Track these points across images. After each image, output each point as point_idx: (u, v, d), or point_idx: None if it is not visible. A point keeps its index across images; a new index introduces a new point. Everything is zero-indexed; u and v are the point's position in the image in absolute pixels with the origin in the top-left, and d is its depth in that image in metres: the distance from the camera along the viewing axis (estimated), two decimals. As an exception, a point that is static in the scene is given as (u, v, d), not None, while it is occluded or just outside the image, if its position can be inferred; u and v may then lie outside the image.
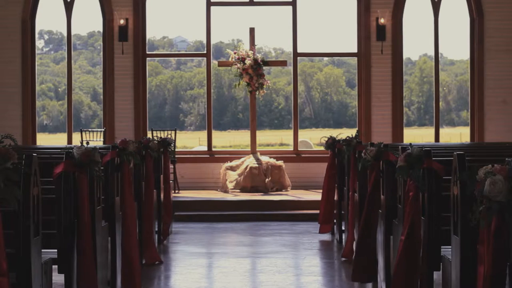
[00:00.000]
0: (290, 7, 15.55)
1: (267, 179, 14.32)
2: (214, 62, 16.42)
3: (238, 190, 14.33)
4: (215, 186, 14.96)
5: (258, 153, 14.90)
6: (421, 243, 5.86)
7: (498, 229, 3.91)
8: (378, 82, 15.20)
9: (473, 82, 15.34)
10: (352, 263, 7.59)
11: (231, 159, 14.99)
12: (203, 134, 16.61)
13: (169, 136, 13.08)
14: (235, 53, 14.86)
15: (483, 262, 4.07)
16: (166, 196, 10.71)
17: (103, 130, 14.98)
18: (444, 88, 26.65)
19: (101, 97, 15.56)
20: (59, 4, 15.35)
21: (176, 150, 14.63)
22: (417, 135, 24.49)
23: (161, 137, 11.37)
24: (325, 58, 28.43)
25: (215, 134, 16.79)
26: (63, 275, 5.73)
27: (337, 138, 10.74)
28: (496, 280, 3.94)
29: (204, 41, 15.73)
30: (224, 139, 27.08)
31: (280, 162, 14.68)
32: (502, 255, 3.93)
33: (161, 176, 10.57)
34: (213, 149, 15.66)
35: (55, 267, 5.67)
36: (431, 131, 16.27)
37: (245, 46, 15.21)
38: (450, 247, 5.33)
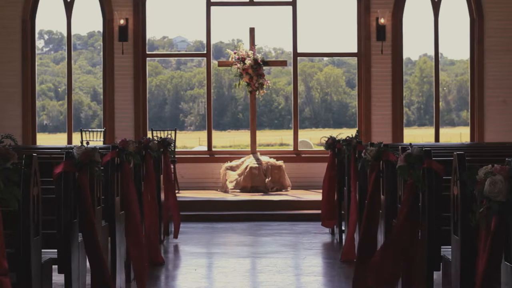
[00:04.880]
0: (290, 7, 15.54)
1: (267, 179, 14.31)
2: (214, 62, 16.40)
3: (238, 190, 14.33)
4: (215, 186, 14.96)
5: (258, 153, 14.90)
6: (417, 242, 5.86)
7: (496, 229, 3.92)
8: (378, 82, 15.19)
9: (473, 82, 15.33)
10: (354, 265, 7.56)
11: (231, 159, 14.98)
12: (203, 134, 16.60)
13: (169, 136, 13.04)
14: (235, 53, 14.86)
15: (480, 259, 4.08)
16: (169, 197, 10.66)
17: (103, 130, 14.98)
18: (444, 88, 26.63)
19: (101, 97, 15.56)
20: (59, 4, 15.35)
21: (176, 150, 14.62)
22: (417, 135, 24.45)
23: (161, 137, 11.35)
24: (325, 58, 28.38)
25: (215, 134, 16.77)
26: (63, 275, 5.74)
27: (337, 138, 10.73)
28: (491, 278, 3.95)
29: (204, 41, 15.72)
30: (224, 139, 27.04)
31: (280, 162, 14.67)
32: (499, 254, 3.94)
33: (161, 176, 10.56)
34: (213, 149, 15.66)
35: (55, 267, 5.67)
36: (431, 131, 16.26)
37: (245, 46, 15.21)
38: (450, 247, 5.33)
